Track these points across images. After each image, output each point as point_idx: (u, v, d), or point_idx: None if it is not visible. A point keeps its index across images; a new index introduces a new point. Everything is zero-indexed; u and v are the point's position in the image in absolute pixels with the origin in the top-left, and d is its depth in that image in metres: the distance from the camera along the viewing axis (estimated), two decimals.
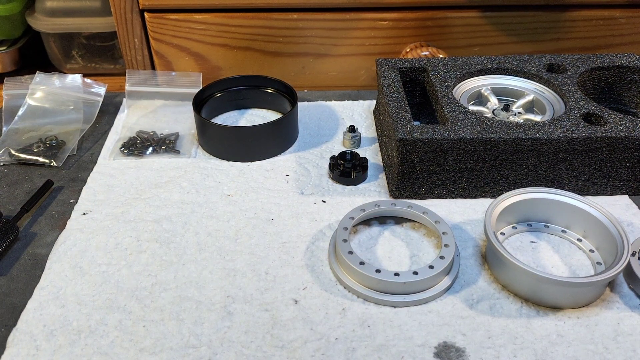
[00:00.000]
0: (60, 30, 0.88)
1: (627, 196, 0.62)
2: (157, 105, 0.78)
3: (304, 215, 0.60)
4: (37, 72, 0.76)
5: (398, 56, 0.85)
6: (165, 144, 0.70)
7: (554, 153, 0.59)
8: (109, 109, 0.78)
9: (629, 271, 0.52)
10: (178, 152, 0.69)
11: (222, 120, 0.76)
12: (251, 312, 0.49)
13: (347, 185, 0.64)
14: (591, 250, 0.55)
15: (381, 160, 0.68)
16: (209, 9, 0.82)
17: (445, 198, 0.62)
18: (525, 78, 0.70)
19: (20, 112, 0.73)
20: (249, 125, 0.67)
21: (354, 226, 0.57)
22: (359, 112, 0.77)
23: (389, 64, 0.70)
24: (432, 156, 0.59)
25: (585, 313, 0.49)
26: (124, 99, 0.79)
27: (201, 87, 0.75)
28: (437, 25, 0.83)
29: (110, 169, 0.67)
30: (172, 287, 0.52)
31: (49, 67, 0.94)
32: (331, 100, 0.80)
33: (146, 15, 0.82)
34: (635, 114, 0.71)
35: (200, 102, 0.72)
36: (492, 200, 0.61)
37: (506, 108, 0.66)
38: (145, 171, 0.66)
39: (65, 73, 0.78)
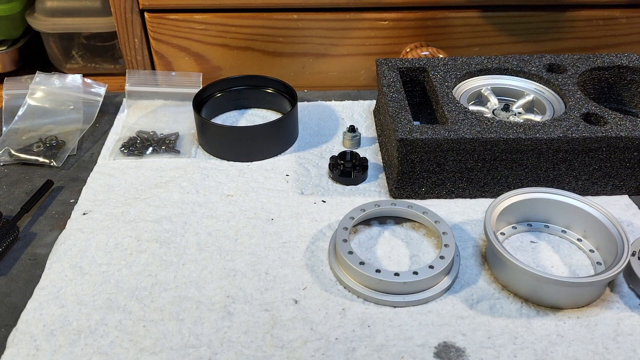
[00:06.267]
0: (60, 30, 0.88)
1: (627, 196, 0.62)
2: (157, 105, 0.78)
3: (304, 215, 0.60)
4: (37, 72, 0.76)
5: (398, 56, 0.85)
6: (165, 144, 0.70)
7: (554, 153, 0.59)
8: (109, 109, 0.78)
9: (629, 271, 0.52)
10: (178, 152, 0.69)
11: (222, 120, 0.76)
12: (251, 312, 0.49)
13: (347, 185, 0.64)
14: (591, 250, 0.55)
15: (381, 160, 0.68)
16: (209, 9, 0.82)
17: (445, 198, 0.62)
18: (525, 78, 0.70)
19: (20, 112, 0.73)
20: (249, 125, 0.67)
21: (354, 226, 0.57)
22: (359, 112, 0.77)
23: (389, 64, 0.70)
24: (432, 156, 0.59)
25: (585, 313, 0.49)
26: (124, 99, 0.79)
27: (201, 87, 0.75)
28: (437, 25, 0.83)
29: (110, 169, 0.67)
30: (172, 287, 0.52)
31: (49, 67, 0.94)
32: (331, 100, 0.80)
33: (146, 15, 0.82)
34: (635, 114, 0.71)
35: (200, 102, 0.72)
36: (492, 200, 0.61)
37: (506, 108, 0.66)
38: (145, 171, 0.66)
39: (65, 73, 0.78)
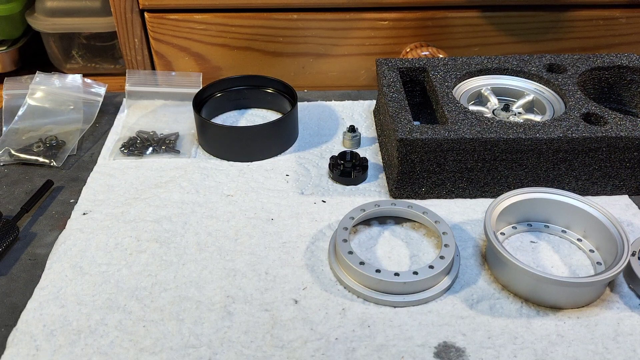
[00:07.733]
0: (60, 30, 0.88)
1: (627, 196, 0.62)
2: (157, 105, 0.78)
3: (304, 215, 0.60)
4: (37, 72, 0.76)
5: (398, 56, 0.85)
6: (165, 144, 0.70)
7: (554, 153, 0.59)
8: (109, 109, 0.78)
9: (629, 271, 0.52)
10: (178, 152, 0.69)
11: (222, 120, 0.76)
12: (251, 312, 0.49)
13: (347, 185, 0.64)
14: (591, 250, 0.55)
15: (381, 160, 0.68)
16: (209, 9, 0.82)
17: (445, 198, 0.62)
18: (525, 78, 0.70)
19: (20, 112, 0.73)
20: (249, 125, 0.67)
21: (354, 226, 0.57)
22: (359, 112, 0.77)
23: (389, 64, 0.70)
24: (432, 156, 0.59)
25: (585, 313, 0.49)
26: (124, 99, 0.79)
27: (201, 87, 0.75)
28: (437, 25, 0.83)
29: (110, 169, 0.67)
30: (172, 287, 0.52)
31: (49, 67, 0.94)
32: (331, 100, 0.80)
33: (146, 15, 0.82)
34: (635, 114, 0.71)
35: (200, 102, 0.72)
36: (492, 200, 0.61)
37: (506, 108, 0.66)
38: (145, 171, 0.66)
39: (65, 73, 0.78)
